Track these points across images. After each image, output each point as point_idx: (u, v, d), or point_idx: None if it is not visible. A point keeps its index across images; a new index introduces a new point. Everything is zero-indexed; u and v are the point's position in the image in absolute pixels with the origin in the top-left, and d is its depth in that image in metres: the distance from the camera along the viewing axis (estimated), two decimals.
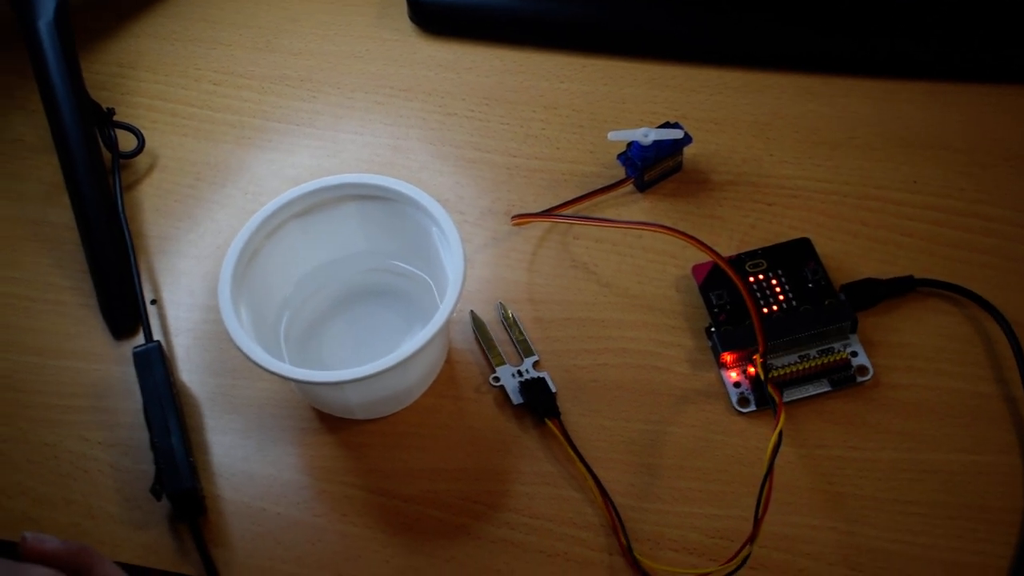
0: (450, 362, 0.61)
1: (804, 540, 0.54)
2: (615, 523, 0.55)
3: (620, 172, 0.66)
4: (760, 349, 0.56)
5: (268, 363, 0.53)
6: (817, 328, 0.59)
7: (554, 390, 0.59)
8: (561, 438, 0.57)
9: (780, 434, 0.52)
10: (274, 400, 0.60)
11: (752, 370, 0.58)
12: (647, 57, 0.73)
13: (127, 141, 0.70)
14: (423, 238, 0.59)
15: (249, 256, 0.58)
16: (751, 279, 0.61)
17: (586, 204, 0.66)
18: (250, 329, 0.56)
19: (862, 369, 0.59)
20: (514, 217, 0.65)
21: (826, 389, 0.58)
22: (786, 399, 0.58)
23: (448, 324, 0.55)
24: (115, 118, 0.70)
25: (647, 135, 0.64)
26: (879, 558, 0.53)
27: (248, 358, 0.54)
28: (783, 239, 0.63)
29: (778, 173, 0.66)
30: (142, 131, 0.71)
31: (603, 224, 0.64)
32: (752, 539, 0.51)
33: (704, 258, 0.59)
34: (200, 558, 0.55)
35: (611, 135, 0.64)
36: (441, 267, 0.59)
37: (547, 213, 0.64)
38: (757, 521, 0.51)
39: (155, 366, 0.59)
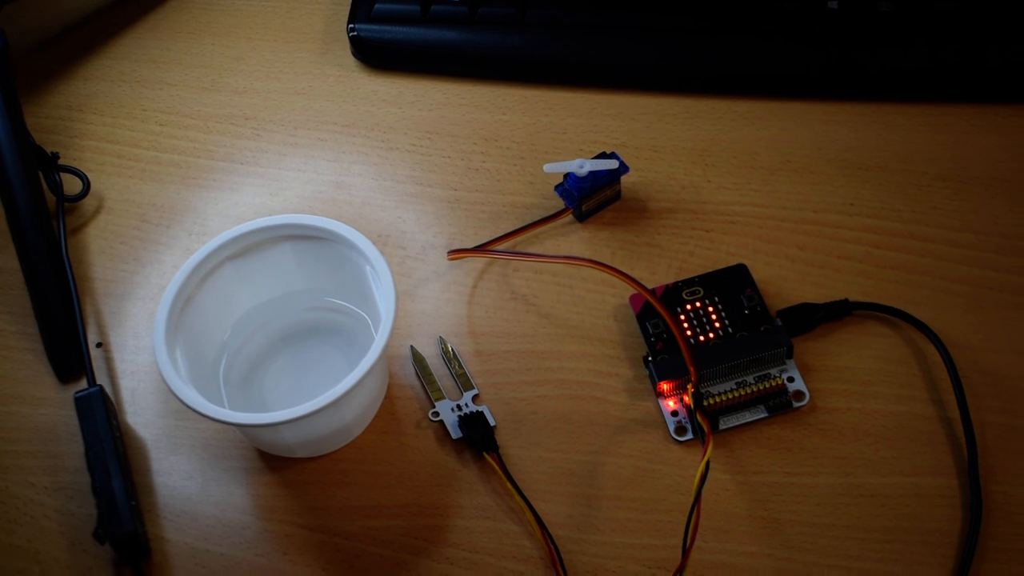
0: (390, 398, 0.61)
1: (741, 568, 0.54)
2: (553, 556, 0.55)
3: (560, 203, 0.66)
4: (692, 379, 0.56)
5: (203, 407, 0.54)
6: (753, 354, 0.59)
7: (493, 423, 0.59)
8: (499, 472, 0.57)
9: (707, 464, 0.53)
10: (217, 441, 0.61)
11: (688, 399, 0.58)
12: (588, 87, 0.73)
13: (73, 184, 0.71)
14: (358, 276, 0.60)
15: (184, 301, 0.58)
16: (688, 307, 0.61)
17: (526, 236, 0.66)
18: (187, 373, 0.57)
19: (798, 394, 0.59)
20: (449, 252, 0.65)
21: (763, 415, 0.58)
22: (723, 426, 0.58)
23: (385, 360, 0.56)
24: (62, 161, 0.71)
25: (582, 166, 0.64)
26: None
27: (183, 403, 0.54)
28: (721, 265, 0.63)
29: (716, 199, 0.67)
30: (88, 174, 0.71)
31: (535, 259, 0.64)
32: (681, 569, 0.52)
33: None
34: None
35: (546, 167, 0.65)
36: (377, 304, 0.59)
37: (481, 248, 0.65)
38: (685, 551, 0.52)
39: (96, 410, 0.60)
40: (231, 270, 0.60)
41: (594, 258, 0.58)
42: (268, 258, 0.61)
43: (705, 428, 0.55)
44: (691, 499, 0.53)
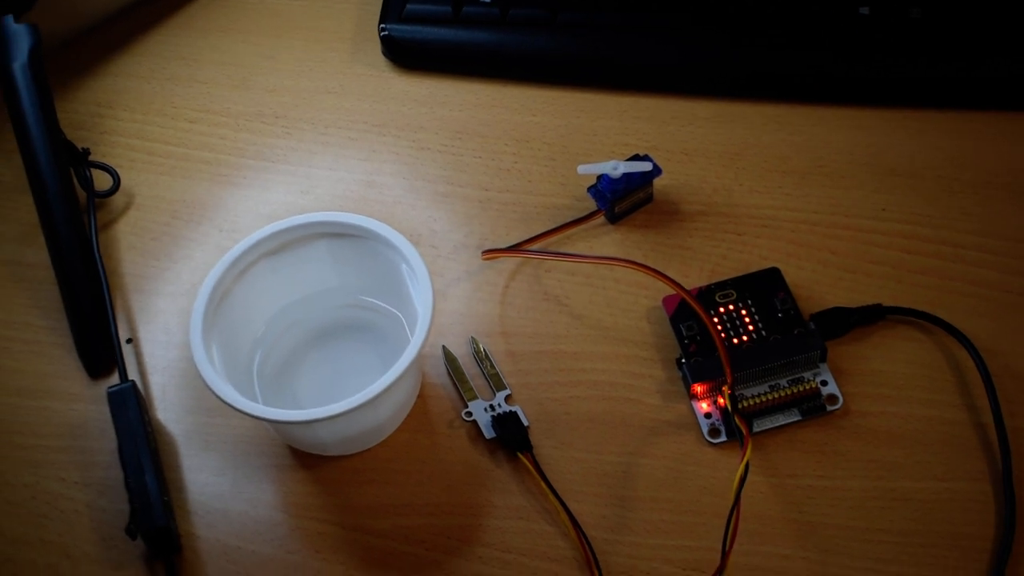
0: (423, 397, 0.61)
1: (775, 570, 0.54)
2: (588, 557, 0.55)
3: (591, 204, 0.66)
4: (728, 381, 0.56)
5: (239, 403, 0.54)
6: (787, 358, 0.59)
7: (526, 424, 0.59)
8: (534, 472, 0.57)
9: (747, 466, 0.53)
10: (248, 437, 0.61)
11: (722, 401, 0.58)
12: (619, 89, 0.73)
13: (103, 180, 0.71)
14: (393, 274, 0.60)
15: (220, 297, 0.58)
16: (721, 310, 0.61)
17: (558, 237, 0.66)
18: (222, 369, 0.57)
19: (832, 398, 0.59)
20: (484, 252, 0.65)
21: (796, 418, 0.58)
22: (756, 429, 0.58)
23: (419, 360, 0.56)
24: (92, 157, 0.71)
25: (616, 168, 0.64)
26: None
27: (220, 398, 0.54)
28: (753, 269, 0.63)
29: (748, 203, 0.67)
30: (118, 170, 0.71)
31: (571, 259, 0.64)
32: (720, 571, 0.52)
33: None
34: None
35: (580, 169, 0.65)
36: (412, 303, 0.59)
37: (516, 248, 0.65)
38: (725, 554, 0.52)
39: (129, 406, 0.60)
40: (267, 266, 0.60)
41: (635, 259, 0.58)
42: (304, 255, 0.61)
43: (744, 430, 0.55)
44: (728, 501, 0.53)
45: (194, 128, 0.74)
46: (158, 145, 0.74)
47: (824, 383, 0.59)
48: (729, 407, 0.56)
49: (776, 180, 0.68)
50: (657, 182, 0.67)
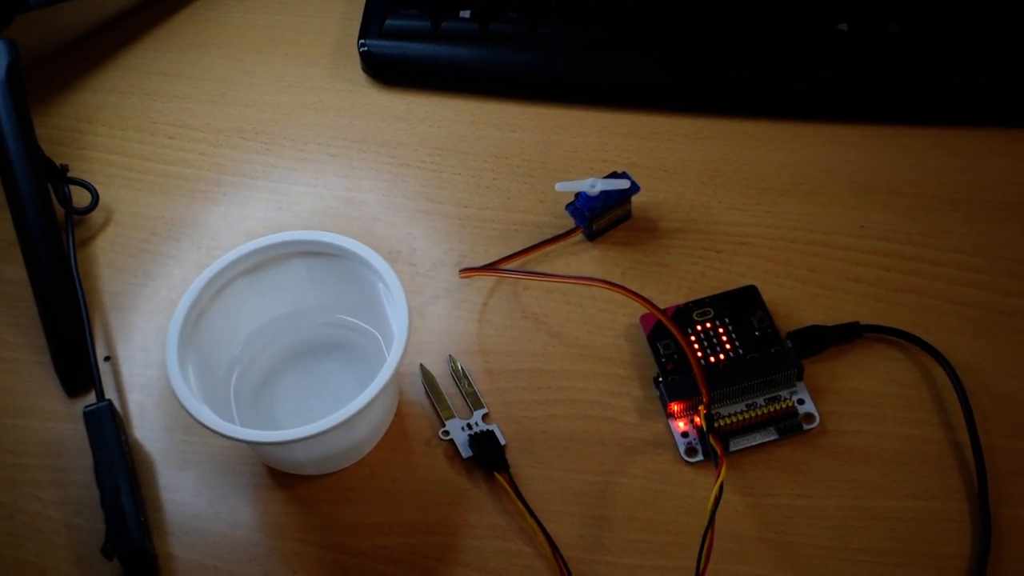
0: (400, 416, 0.61)
1: None
2: None
3: (570, 221, 0.66)
4: (704, 401, 0.56)
5: (214, 423, 0.54)
6: (764, 376, 0.59)
7: (503, 442, 0.59)
8: (510, 491, 0.57)
9: (721, 487, 0.53)
10: (226, 456, 0.60)
11: (698, 420, 0.58)
12: (599, 105, 0.73)
13: (82, 197, 0.70)
14: (371, 293, 0.60)
15: (196, 316, 0.58)
16: (698, 328, 0.61)
17: (536, 254, 0.66)
18: (199, 388, 0.57)
19: (809, 417, 0.59)
20: (461, 271, 0.65)
21: (773, 437, 0.58)
22: (733, 448, 0.58)
23: (397, 378, 0.56)
24: (71, 173, 0.71)
25: (594, 185, 0.64)
26: None
27: (195, 419, 0.54)
28: (732, 286, 0.63)
29: (727, 220, 0.67)
30: (97, 186, 0.71)
31: (546, 279, 0.64)
32: None
33: None
34: None
35: (558, 186, 0.65)
36: (389, 322, 0.59)
37: (492, 267, 0.65)
38: (699, 574, 0.52)
39: (106, 425, 0.59)
40: (244, 285, 0.60)
41: (606, 278, 0.58)
42: (281, 274, 0.61)
43: (718, 451, 0.55)
44: (704, 521, 0.53)
45: (173, 144, 0.74)
46: (137, 161, 0.74)
47: (801, 402, 0.59)
48: (705, 427, 0.56)
49: (755, 197, 0.68)
50: (636, 199, 0.67)
